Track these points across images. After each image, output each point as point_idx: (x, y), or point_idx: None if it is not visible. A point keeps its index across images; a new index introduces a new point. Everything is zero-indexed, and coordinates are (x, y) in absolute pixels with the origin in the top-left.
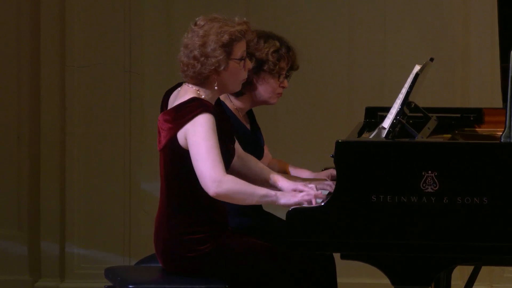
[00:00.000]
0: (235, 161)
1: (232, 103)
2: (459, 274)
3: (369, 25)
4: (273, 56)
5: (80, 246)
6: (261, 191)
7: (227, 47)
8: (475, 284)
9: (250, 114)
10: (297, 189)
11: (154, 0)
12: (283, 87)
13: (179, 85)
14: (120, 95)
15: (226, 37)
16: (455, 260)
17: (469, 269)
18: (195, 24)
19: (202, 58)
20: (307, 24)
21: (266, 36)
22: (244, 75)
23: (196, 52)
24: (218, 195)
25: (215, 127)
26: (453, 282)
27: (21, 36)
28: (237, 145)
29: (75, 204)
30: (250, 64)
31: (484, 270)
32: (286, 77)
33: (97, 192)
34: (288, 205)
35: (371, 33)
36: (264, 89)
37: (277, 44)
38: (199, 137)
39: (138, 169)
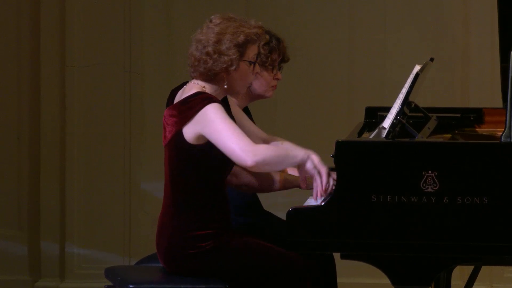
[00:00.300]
0: None
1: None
2: (459, 274)
3: (369, 25)
4: (264, 48)
5: (80, 246)
6: (293, 151)
7: (241, 48)
8: (475, 284)
9: (246, 112)
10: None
11: (154, 0)
12: (277, 79)
13: (184, 84)
14: (120, 95)
15: (242, 38)
16: (455, 260)
17: (469, 269)
18: (211, 21)
19: (215, 55)
20: (307, 24)
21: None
22: (251, 79)
23: (209, 48)
24: (257, 164)
25: (226, 113)
26: (453, 282)
27: (21, 36)
28: (258, 130)
29: (75, 204)
30: (258, 69)
31: (484, 270)
32: (279, 69)
33: (97, 192)
34: (308, 172)
35: (371, 33)
36: (259, 84)
37: (267, 37)
38: (215, 124)
39: (138, 169)
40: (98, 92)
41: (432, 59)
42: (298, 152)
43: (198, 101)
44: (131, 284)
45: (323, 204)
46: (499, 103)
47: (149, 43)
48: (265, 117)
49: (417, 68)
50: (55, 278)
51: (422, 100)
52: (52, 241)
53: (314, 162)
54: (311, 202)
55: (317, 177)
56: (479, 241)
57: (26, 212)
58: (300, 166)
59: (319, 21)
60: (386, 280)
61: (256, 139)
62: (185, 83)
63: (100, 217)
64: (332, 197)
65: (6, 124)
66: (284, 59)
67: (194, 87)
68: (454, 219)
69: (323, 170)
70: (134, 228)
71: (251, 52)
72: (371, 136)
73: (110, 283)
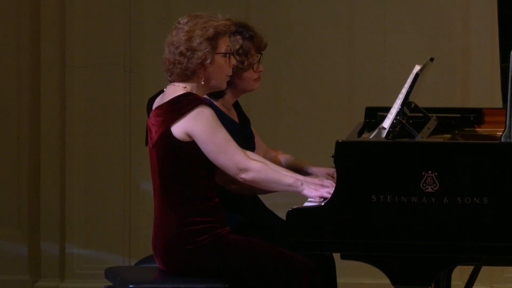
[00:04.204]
0: None
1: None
2: (459, 274)
3: (369, 25)
4: (239, 54)
5: (80, 246)
6: (287, 179)
7: (213, 41)
8: (475, 284)
9: (237, 107)
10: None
11: (154, 0)
12: (259, 72)
13: (161, 92)
14: (120, 95)
15: (211, 31)
16: (455, 260)
17: (469, 269)
18: (179, 23)
19: (189, 53)
20: (307, 24)
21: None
22: (229, 71)
23: (182, 48)
24: (245, 181)
25: (217, 118)
26: (453, 282)
27: (21, 36)
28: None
29: (75, 204)
30: (234, 61)
31: (484, 270)
32: (259, 61)
33: (97, 192)
34: (310, 197)
35: (371, 33)
36: (241, 82)
37: (239, 40)
38: (210, 134)
39: (138, 169)
40: (98, 92)
41: (432, 59)
42: (290, 181)
43: (190, 101)
44: (131, 284)
45: (323, 204)
46: (499, 103)
47: (149, 43)
48: (265, 117)
49: (417, 68)
50: (55, 278)
51: (422, 100)
52: (52, 241)
53: (311, 194)
54: (311, 202)
55: (326, 190)
56: (479, 241)
57: (26, 212)
58: (302, 194)
59: (319, 21)
60: (386, 280)
61: None
62: (162, 91)
63: (100, 217)
64: (332, 197)
65: (6, 124)
66: (261, 49)
67: (176, 89)
68: (454, 219)
69: (322, 192)
70: (134, 228)
71: (223, 44)
72: (371, 136)
73: (110, 283)
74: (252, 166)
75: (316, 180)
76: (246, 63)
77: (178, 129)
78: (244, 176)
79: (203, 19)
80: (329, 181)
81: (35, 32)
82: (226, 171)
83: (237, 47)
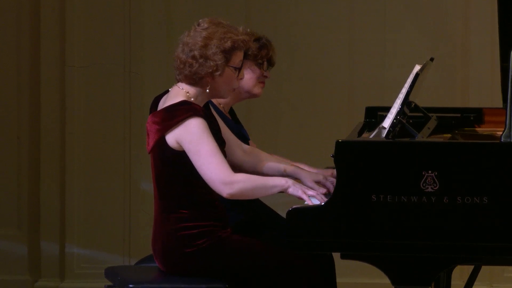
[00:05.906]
0: (247, 160)
1: (217, 99)
2: (459, 274)
3: (369, 25)
4: (254, 44)
5: (80, 246)
6: (272, 181)
7: (228, 53)
8: (475, 284)
9: (231, 113)
10: (320, 181)
11: (154, 0)
12: (266, 77)
13: (167, 92)
14: (120, 95)
15: (229, 44)
16: (455, 260)
17: (469, 269)
18: (199, 25)
19: (201, 59)
20: (307, 24)
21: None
22: (236, 84)
23: (196, 52)
24: (232, 196)
25: (209, 130)
26: (453, 282)
27: (21, 36)
28: (237, 140)
29: (75, 204)
30: (243, 75)
31: (484, 270)
32: (267, 68)
33: (97, 192)
34: (294, 196)
35: (371, 33)
36: (248, 78)
37: (257, 35)
38: (196, 144)
39: (138, 169)
40: (98, 92)
41: (432, 59)
42: (275, 182)
43: (182, 112)
44: (131, 284)
45: (323, 204)
46: (499, 103)
47: (149, 43)
48: (265, 117)
49: (417, 68)
50: (55, 278)
51: (422, 100)
52: (52, 241)
53: (296, 193)
54: (311, 201)
55: (310, 194)
56: (479, 241)
57: (26, 212)
58: (288, 193)
59: (319, 21)
60: (386, 280)
61: (236, 149)
62: (167, 91)
63: (100, 217)
64: (332, 197)
65: (6, 124)
66: (270, 61)
67: (179, 93)
68: (454, 219)
69: (309, 193)
70: (134, 228)
71: (237, 58)
72: (371, 136)
73: (110, 283)
74: (237, 179)
75: (303, 186)
76: (260, 53)
77: (171, 138)
78: (229, 190)
79: (223, 29)
80: (315, 189)
81: (35, 32)
82: (211, 185)
83: (254, 38)
